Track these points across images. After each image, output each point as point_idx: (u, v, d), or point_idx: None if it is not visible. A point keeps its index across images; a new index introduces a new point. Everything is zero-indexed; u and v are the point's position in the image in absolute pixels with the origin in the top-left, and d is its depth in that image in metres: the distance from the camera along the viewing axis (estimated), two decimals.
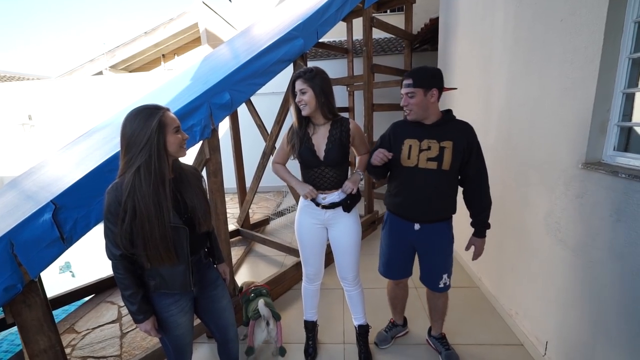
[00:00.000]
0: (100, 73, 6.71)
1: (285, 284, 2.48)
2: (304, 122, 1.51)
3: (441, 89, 1.38)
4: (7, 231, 1.20)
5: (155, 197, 1.03)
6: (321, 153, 1.48)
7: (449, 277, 1.58)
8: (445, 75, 3.22)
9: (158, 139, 1.03)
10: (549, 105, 1.54)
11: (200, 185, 1.24)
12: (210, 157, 1.87)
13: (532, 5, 1.66)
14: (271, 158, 2.86)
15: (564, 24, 1.41)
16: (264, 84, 2.13)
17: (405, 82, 1.38)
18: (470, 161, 1.40)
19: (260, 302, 1.68)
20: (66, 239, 1.32)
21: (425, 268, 1.60)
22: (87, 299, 2.46)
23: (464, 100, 2.68)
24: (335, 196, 1.53)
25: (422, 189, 1.44)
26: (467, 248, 1.58)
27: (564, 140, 1.44)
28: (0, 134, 6.07)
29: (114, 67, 6.86)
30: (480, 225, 1.51)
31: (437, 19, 3.52)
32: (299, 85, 1.44)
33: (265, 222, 4.01)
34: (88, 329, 2.06)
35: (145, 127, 1.02)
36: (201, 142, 1.83)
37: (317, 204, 1.54)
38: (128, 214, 1.01)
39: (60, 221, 1.31)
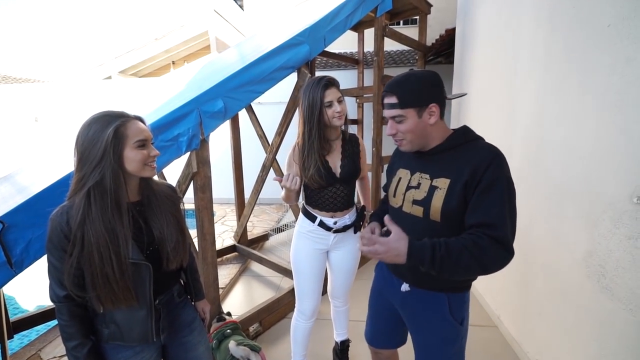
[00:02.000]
0: (109, 78, 6.70)
1: (279, 311, 2.24)
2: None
3: (444, 100, 0.93)
4: None
5: (108, 225, 0.83)
6: (337, 170, 1.36)
7: None
8: (462, 89, 3.04)
9: (113, 154, 0.83)
10: (591, 124, 1.30)
11: (175, 211, 1.02)
12: (198, 171, 1.67)
13: (568, 11, 1.45)
14: (271, 172, 2.66)
15: (613, 30, 1.19)
16: (263, 92, 1.95)
17: (387, 100, 0.93)
18: (472, 202, 0.85)
19: (231, 345, 1.46)
20: (15, 264, 1.13)
21: (416, 354, 1.10)
22: None
23: (483, 116, 2.45)
24: (346, 219, 1.44)
25: None
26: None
27: (613, 166, 1.19)
28: (7, 135, 6.06)
29: (123, 72, 6.84)
30: (424, 255, 0.80)
31: (453, 29, 3.34)
32: (336, 94, 1.31)
33: (264, 237, 3.79)
34: (55, 357, 1.84)
35: (100, 139, 0.82)
36: (188, 153, 1.64)
37: (329, 229, 1.41)
38: (76, 246, 0.82)
39: (8, 242, 1.12)
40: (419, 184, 0.96)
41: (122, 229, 0.85)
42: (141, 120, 0.93)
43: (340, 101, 1.31)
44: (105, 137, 0.82)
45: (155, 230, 0.95)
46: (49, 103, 6.01)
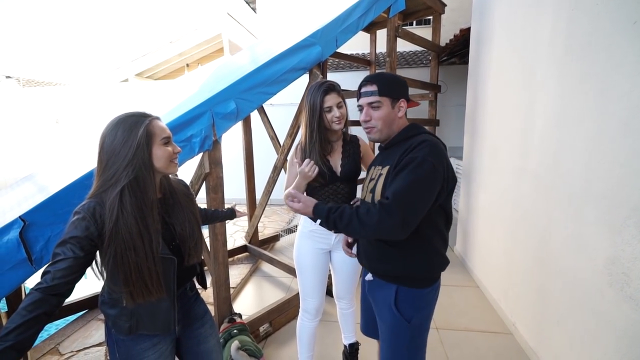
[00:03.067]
0: (126, 80, 6.89)
1: (289, 312, 2.24)
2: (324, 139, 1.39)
3: (408, 102, 1.07)
4: None
5: (143, 220, 0.86)
6: (337, 169, 1.42)
7: None
8: (477, 90, 2.98)
9: (145, 151, 0.87)
10: (614, 126, 1.25)
11: (192, 208, 1.07)
12: (211, 172, 1.69)
13: (591, 8, 1.40)
14: (282, 174, 2.67)
15: (639, 27, 1.14)
16: (275, 93, 1.96)
17: (366, 89, 1.04)
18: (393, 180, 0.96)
19: (233, 347, 1.47)
20: (35, 260, 1.16)
21: (380, 342, 1.16)
22: (80, 314, 2.32)
23: (499, 117, 2.40)
24: None
25: None
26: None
27: (638, 170, 1.14)
28: (30, 136, 6.30)
29: (139, 75, 7.02)
30: (325, 211, 0.97)
31: (467, 29, 3.28)
32: (336, 99, 1.35)
33: (275, 238, 3.81)
34: (72, 352, 1.89)
35: (130, 138, 0.86)
36: (201, 154, 1.66)
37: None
38: (111, 244, 0.83)
39: (29, 240, 1.15)
40: (375, 175, 1.08)
41: (153, 224, 0.88)
42: (160, 119, 0.96)
43: (340, 106, 1.35)
44: (137, 135, 0.85)
45: (177, 226, 0.99)
46: (69, 105, 6.23)
